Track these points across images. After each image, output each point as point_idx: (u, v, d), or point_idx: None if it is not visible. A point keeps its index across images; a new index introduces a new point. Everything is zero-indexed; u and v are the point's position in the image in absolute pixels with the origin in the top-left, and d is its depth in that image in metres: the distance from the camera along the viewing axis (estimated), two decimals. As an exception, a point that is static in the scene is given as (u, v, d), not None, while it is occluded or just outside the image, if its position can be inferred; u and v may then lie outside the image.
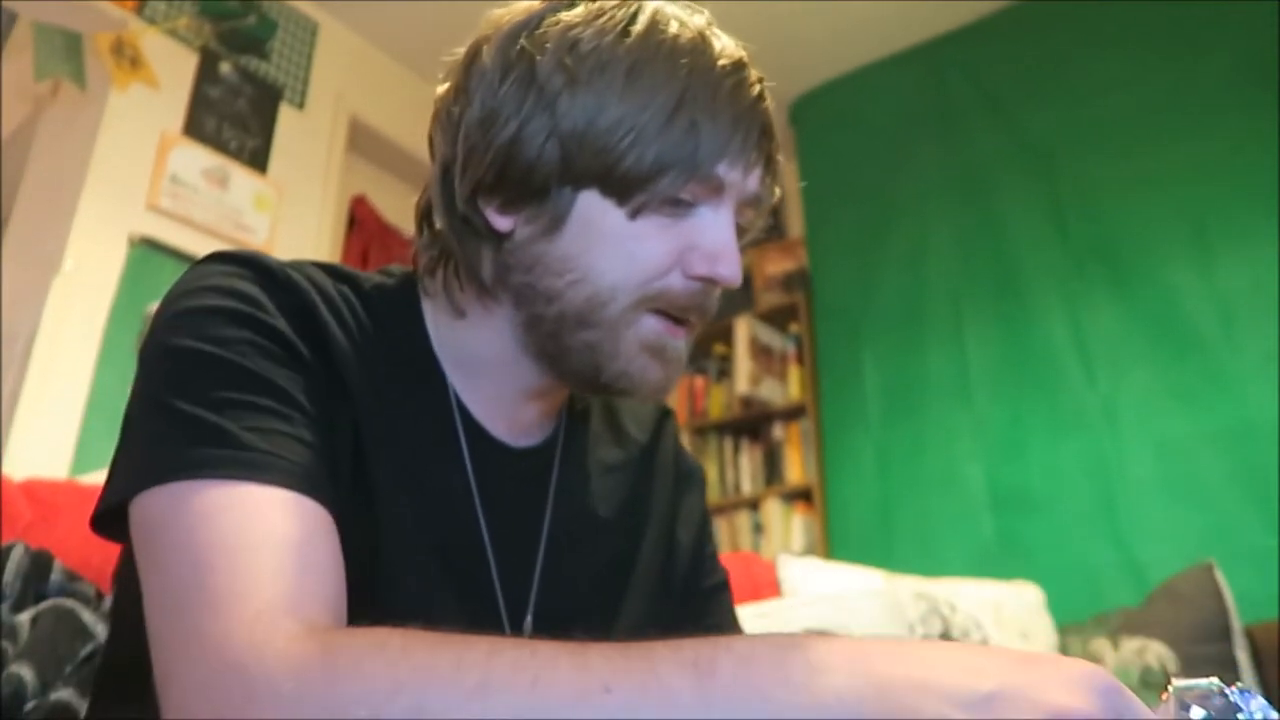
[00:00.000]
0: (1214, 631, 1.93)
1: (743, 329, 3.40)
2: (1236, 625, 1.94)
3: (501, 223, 0.64)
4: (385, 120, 3.38)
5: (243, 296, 0.60)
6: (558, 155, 0.61)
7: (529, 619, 0.68)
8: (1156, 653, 1.90)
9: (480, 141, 0.63)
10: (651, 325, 0.64)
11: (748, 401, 3.35)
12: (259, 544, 0.50)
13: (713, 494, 3.25)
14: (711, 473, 3.35)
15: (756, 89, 0.64)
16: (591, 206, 0.62)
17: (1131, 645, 1.94)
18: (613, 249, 0.62)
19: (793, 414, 3.33)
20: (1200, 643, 1.92)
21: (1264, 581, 2.18)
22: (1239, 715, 0.39)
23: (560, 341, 0.64)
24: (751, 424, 3.41)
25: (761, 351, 3.42)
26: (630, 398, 0.69)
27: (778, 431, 3.34)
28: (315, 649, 0.44)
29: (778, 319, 3.49)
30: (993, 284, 2.96)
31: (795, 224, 3.64)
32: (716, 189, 0.63)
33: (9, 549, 0.91)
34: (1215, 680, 0.40)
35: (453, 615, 0.64)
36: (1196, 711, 0.39)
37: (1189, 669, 1.86)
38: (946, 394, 2.94)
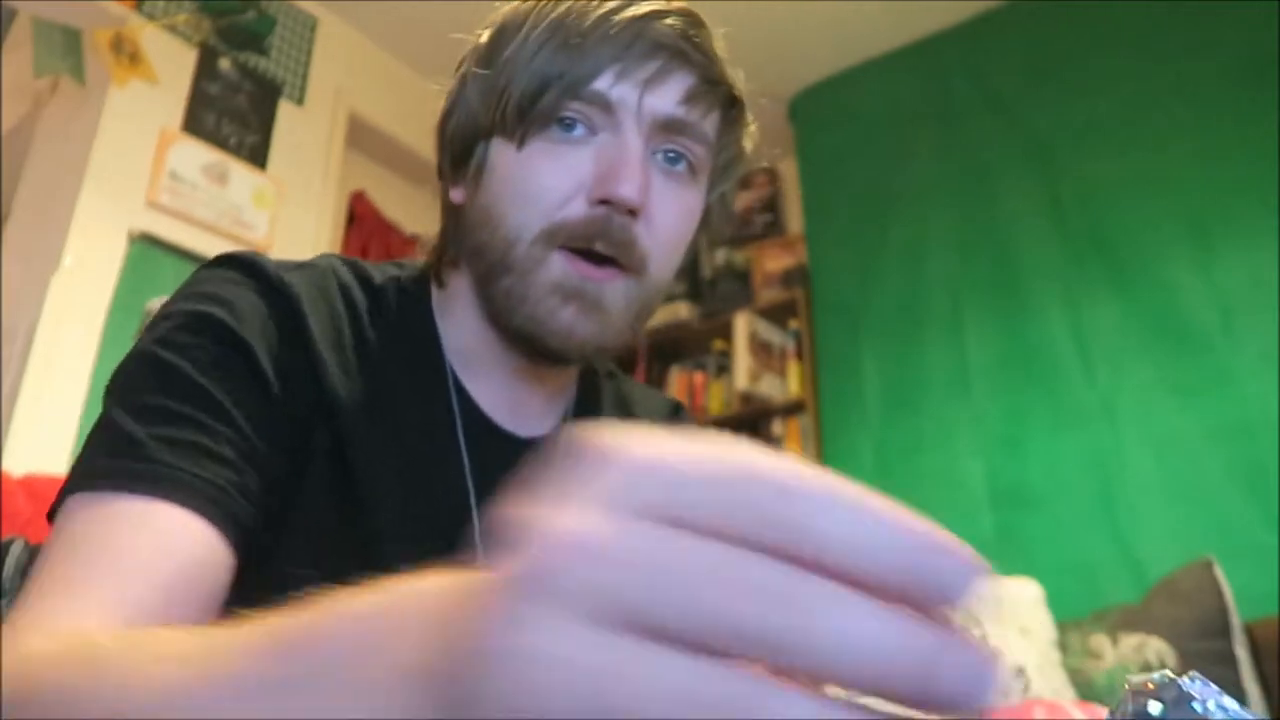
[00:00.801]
0: (1213, 628, 1.93)
1: (742, 325, 3.39)
2: (1236, 621, 1.94)
3: (456, 195, 0.68)
4: (384, 116, 3.37)
5: (220, 301, 0.60)
6: (470, 117, 0.66)
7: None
8: (1156, 649, 1.90)
9: (441, 130, 0.69)
10: (559, 263, 0.62)
11: (747, 397, 3.35)
12: (94, 555, 0.49)
13: (712, 490, 3.24)
14: (711, 469, 3.34)
15: (651, 8, 0.62)
16: (495, 153, 0.65)
17: (1131, 641, 1.94)
18: (512, 188, 0.63)
19: (792, 410, 3.32)
20: (1200, 639, 1.92)
21: (1263, 578, 2.17)
22: (1194, 704, 0.39)
23: (491, 298, 0.65)
24: (751, 420, 3.41)
25: (760, 347, 3.42)
26: (547, 345, 0.64)
27: (777, 427, 3.33)
28: (22, 656, 0.42)
29: (777, 315, 3.48)
30: (992, 280, 2.95)
31: (795, 220, 3.64)
32: (605, 108, 0.62)
33: (8, 544, 0.91)
34: (1167, 671, 0.41)
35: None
36: (1154, 706, 0.39)
37: (1189, 665, 1.87)
38: (946, 390, 2.93)
